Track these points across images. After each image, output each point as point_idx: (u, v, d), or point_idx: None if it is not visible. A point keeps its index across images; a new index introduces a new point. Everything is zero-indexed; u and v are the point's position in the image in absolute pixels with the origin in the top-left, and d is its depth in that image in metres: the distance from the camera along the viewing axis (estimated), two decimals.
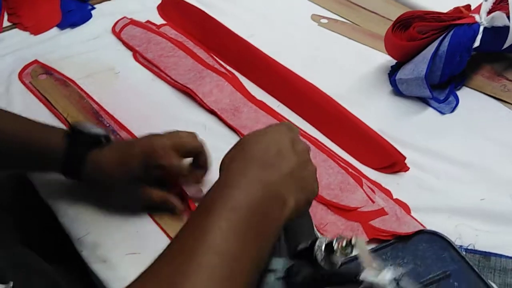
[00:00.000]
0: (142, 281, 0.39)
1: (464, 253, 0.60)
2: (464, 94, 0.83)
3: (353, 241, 0.45)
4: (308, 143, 0.74)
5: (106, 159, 0.61)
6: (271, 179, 0.45)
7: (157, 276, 0.39)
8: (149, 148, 0.61)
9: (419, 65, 0.78)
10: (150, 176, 0.62)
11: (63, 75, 0.86)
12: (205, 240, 0.39)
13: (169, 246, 0.42)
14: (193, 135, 0.65)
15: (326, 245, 0.47)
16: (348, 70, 0.88)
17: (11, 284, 0.49)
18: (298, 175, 0.47)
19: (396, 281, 0.43)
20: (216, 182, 0.45)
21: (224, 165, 0.47)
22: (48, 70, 0.86)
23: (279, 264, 0.48)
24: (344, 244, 0.46)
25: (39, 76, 0.85)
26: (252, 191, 0.43)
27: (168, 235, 0.63)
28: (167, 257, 0.40)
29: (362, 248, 0.45)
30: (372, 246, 0.61)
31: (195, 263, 0.38)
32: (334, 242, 0.46)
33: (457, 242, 0.61)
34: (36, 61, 0.88)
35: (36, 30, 0.96)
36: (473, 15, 0.79)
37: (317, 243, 0.47)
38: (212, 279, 0.38)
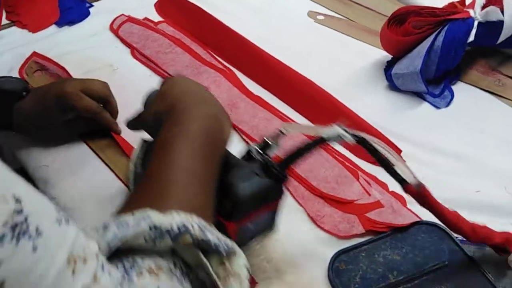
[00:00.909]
0: (125, 207, 0.43)
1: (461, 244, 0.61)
2: (459, 88, 0.84)
3: (281, 129, 0.53)
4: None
5: (28, 107, 0.68)
6: (212, 112, 0.53)
7: (139, 198, 0.44)
8: (60, 91, 0.67)
9: (414, 60, 0.79)
10: (66, 116, 0.68)
11: (58, 65, 0.86)
12: (176, 164, 0.46)
13: (142, 181, 0.46)
14: (104, 83, 0.72)
15: (260, 146, 0.54)
16: (345, 65, 0.89)
17: None
18: (221, 106, 0.55)
19: (342, 128, 0.51)
20: (170, 121, 0.51)
21: (165, 110, 0.52)
22: (43, 66, 0.87)
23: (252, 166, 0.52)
24: (274, 135, 0.54)
25: (34, 74, 0.86)
26: (202, 123, 0.50)
27: None
28: (143, 186, 0.46)
29: (294, 126, 0.53)
30: (369, 237, 0.62)
31: (171, 182, 0.44)
32: (265, 140, 0.54)
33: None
34: (35, 53, 0.88)
35: (34, 27, 0.97)
36: (468, 10, 0.80)
37: (252, 149, 0.54)
38: (186, 194, 0.44)
